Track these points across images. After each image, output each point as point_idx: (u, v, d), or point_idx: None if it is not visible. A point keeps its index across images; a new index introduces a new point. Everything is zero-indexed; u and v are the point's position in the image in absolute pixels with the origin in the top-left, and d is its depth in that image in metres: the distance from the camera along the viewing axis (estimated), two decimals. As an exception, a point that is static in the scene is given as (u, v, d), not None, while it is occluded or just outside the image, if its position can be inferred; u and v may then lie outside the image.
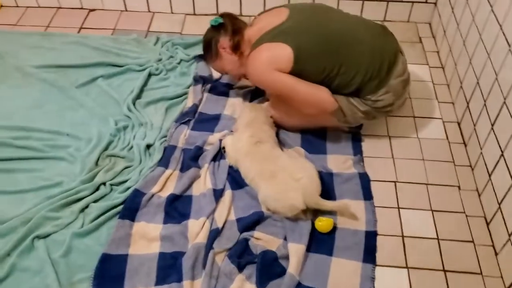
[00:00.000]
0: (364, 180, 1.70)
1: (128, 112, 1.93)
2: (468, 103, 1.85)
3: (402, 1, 2.40)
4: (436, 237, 1.56)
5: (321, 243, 1.51)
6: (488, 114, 1.64)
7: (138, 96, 2.03)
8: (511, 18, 1.52)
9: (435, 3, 2.39)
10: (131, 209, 1.58)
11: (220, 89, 2.04)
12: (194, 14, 2.53)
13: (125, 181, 1.69)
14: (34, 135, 1.85)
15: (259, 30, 1.71)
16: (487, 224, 1.59)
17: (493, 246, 1.54)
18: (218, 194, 1.63)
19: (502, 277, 1.46)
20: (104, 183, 1.68)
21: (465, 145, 1.84)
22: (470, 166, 1.77)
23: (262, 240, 1.51)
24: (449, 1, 2.17)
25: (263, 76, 1.67)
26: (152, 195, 1.63)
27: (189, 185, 1.67)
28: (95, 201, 1.63)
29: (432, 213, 1.62)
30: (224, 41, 1.76)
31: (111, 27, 2.45)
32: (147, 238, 1.52)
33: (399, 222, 1.60)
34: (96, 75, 2.12)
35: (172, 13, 2.54)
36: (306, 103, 1.71)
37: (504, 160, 1.49)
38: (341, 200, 1.63)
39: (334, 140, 1.85)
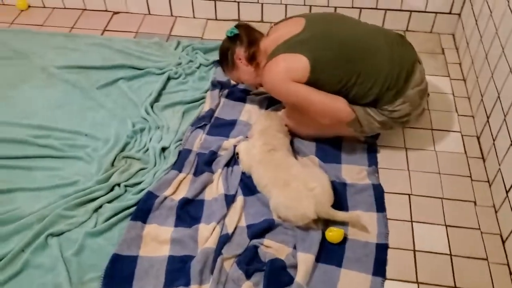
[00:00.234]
0: (378, 192, 1.68)
1: (146, 115, 1.96)
2: (488, 117, 1.81)
3: (425, 12, 2.38)
4: (449, 253, 1.53)
5: (330, 253, 1.50)
6: (508, 130, 1.61)
7: (157, 99, 2.05)
8: (534, 33, 1.50)
9: (459, 14, 2.35)
10: (143, 210, 1.60)
11: (237, 95, 2.05)
12: (216, 19, 2.55)
13: (139, 183, 1.71)
14: (54, 134, 1.89)
15: (275, 40, 1.72)
16: (503, 242, 1.56)
17: (507, 264, 1.50)
18: (229, 200, 1.63)
19: (515, 297, 1.43)
20: (118, 184, 1.70)
21: (484, 160, 1.81)
22: (488, 181, 1.74)
23: (272, 248, 1.51)
24: (473, 12, 2.14)
25: (279, 86, 1.67)
26: (165, 198, 1.65)
27: (202, 190, 1.68)
28: (109, 201, 1.65)
29: (446, 228, 1.60)
30: (240, 52, 1.77)
31: (134, 30, 2.49)
32: (157, 241, 1.54)
33: (412, 236, 1.57)
34: (117, 77, 2.16)
35: (194, 17, 2.57)
36: (322, 113, 1.71)
37: (522, 177, 1.47)
38: (353, 211, 1.62)
39: (349, 150, 1.84)
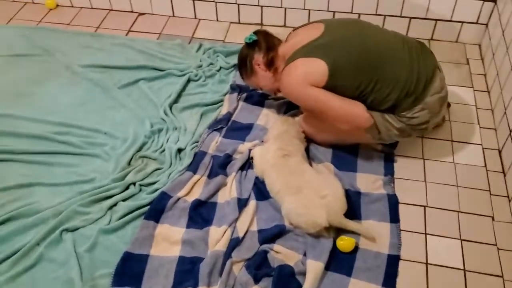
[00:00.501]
0: (392, 202, 1.66)
1: (164, 116, 1.98)
2: (511, 131, 1.77)
3: (451, 21, 2.34)
4: (462, 268, 1.50)
5: (341, 262, 1.49)
6: (529, 144, 1.57)
7: (176, 100, 2.07)
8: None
9: (486, 24, 2.31)
10: (156, 210, 1.62)
11: (256, 99, 2.06)
12: (239, 23, 2.57)
13: (154, 183, 1.73)
14: (74, 132, 1.92)
15: (293, 45, 1.71)
16: (520, 259, 1.52)
17: (523, 283, 1.47)
18: (242, 204, 1.64)
19: (530, 316, 1.39)
20: (134, 183, 1.72)
21: (504, 175, 1.77)
22: (507, 197, 1.70)
23: (281, 253, 1.51)
24: (500, 22, 2.10)
25: (297, 90, 1.67)
26: (178, 199, 1.66)
27: (215, 192, 1.69)
28: (124, 199, 1.67)
29: (461, 242, 1.57)
30: (259, 58, 1.78)
31: (157, 31, 2.53)
32: (169, 241, 1.55)
33: (425, 249, 1.55)
34: (139, 77, 2.19)
35: (218, 20, 2.59)
36: (340, 119, 1.69)
37: (542, 194, 1.43)
38: (366, 222, 1.60)
39: (366, 159, 1.82)
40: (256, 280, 1.43)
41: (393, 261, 1.50)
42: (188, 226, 1.59)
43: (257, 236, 1.55)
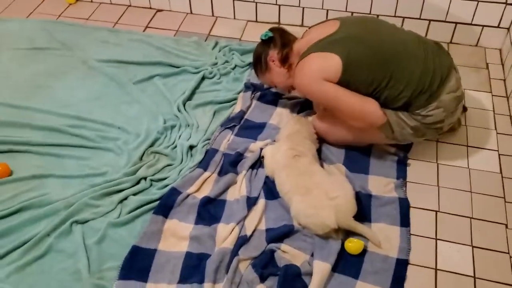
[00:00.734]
0: (404, 206, 1.64)
1: (178, 112, 1.99)
2: (528, 137, 1.74)
3: (472, 24, 2.30)
4: (472, 275, 1.47)
5: (348, 264, 1.48)
6: (546, 152, 1.54)
7: (190, 97, 2.08)
8: None
9: (508, 28, 2.27)
10: (166, 206, 1.63)
11: (269, 98, 2.05)
12: (256, 21, 2.57)
13: (165, 179, 1.74)
14: (88, 125, 1.94)
15: (308, 41, 1.71)
16: (533, 269, 1.49)
17: (535, 293, 1.43)
18: (251, 202, 1.63)
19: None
20: (145, 178, 1.73)
21: (520, 182, 1.73)
22: (523, 204, 1.67)
23: (289, 253, 1.50)
24: (521, 27, 2.06)
25: (311, 85, 1.65)
26: (188, 195, 1.67)
27: (225, 190, 1.69)
28: (134, 194, 1.68)
29: (472, 249, 1.54)
30: (273, 54, 1.78)
31: (174, 28, 2.54)
32: (177, 236, 1.56)
33: (434, 254, 1.52)
34: (154, 73, 2.20)
35: (235, 19, 2.59)
36: (353, 115, 1.68)
37: (557, 202, 1.39)
38: (376, 225, 1.59)
39: (379, 161, 1.80)
40: (262, 279, 1.43)
41: (401, 266, 1.48)
42: (196, 223, 1.59)
43: (265, 235, 1.55)
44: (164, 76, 2.20)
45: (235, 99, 2.06)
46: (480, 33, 2.32)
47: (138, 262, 1.48)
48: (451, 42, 2.38)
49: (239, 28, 2.53)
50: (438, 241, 1.56)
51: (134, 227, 1.58)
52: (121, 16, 2.63)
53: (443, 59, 1.68)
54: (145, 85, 2.16)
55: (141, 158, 1.81)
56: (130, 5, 2.70)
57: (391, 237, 1.55)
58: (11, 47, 2.38)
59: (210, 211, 1.62)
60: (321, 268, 1.43)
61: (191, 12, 2.64)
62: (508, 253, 1.53)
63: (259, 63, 1.84)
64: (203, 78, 2.18)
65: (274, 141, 1.83)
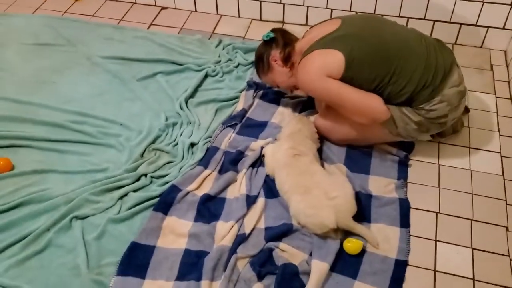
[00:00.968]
0: (404, 207, 1.63)
1: (180, 110, 1.99)
2: (531, 140, 1.73)
3: (477, 25, 2.29)
4: (472, 277, 1.47)
5: (347, 264, 1.47)
6: (548, 154, 1.53)
7: (192, 95, 2.08)
8: None
9: (513, 30, 2.26)
10: (166, 203, 1.63)
11: (271, 97, 2.05)
12: (260, 20, 2.56)
13: (165, 176, 1.74)
14: (91, 121, 1.95)
15: (310, 40, 1.71)
16: (533, 272, 1.48)
17: (535, 296, 1.42)
18: (251, 201, 1.63)
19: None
20: (145, 175, 1.74)
21: (522, 184, 1.72)
22: (524, 207, 1.66)
23: (287, 252, 1.50)
24: (526, 29, 2.05)
25: (314, 82, 1.65)
26: (188, 192, 1.67)
27: (225, 188, 1.69)
28: (135, 190, 1.69)
29: (472, 251, 1.53)
30: (275, 54, 1.79)
31: (179, 26, 2.54)
32: (176, 233, 1.56)
33: (434, 256, 1.52)
34: (157, 70, 2.21)
35: (239, 17, 2.59)
36: (357, 111, 1.67)
37: (558, 206, 1.38)
38: (375, 225, 1.58)
39: (380, 161, 1.79)
40: (260, 277, 1.43)
41: (400, 266, 1.47)
42: (195, 220, 1.59)
43: (264, 234, 1.55)
44: (167, 73, 2.20)
45: (238, 97, 2.06)
46: (485, 34, 2.31)
47: (137, 258, 1.48)
48: (455, 43, 2.37)
49: (243, 26, 2.53)
50: (438, 242, 1.55)
51: (133, 224, 1.59)
52: (126, 13, 2.64)
53: (445, 55, 1.68)
54: (148, 82, 2.16)
55: (142, 155, 1.82)
56: (135, 3, 2.71)
57: (391, 237, 1.55)
58: (16, 43, 2.39)
59: (209, 208, 1.62)
60: (319, 267, 1.42)
61: (196, 10, 2.64)
62: (508, 255, 1.52)
63: (261, 64, 1.84)
64: (206, 76, 2.18)
65: (276, 140, 1.83)
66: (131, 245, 1.50)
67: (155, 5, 2.69)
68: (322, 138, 1.84)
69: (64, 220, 1.57)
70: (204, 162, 1.77)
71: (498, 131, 1.92)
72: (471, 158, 1.82)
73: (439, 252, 1.53)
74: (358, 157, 1.81)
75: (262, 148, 1.79)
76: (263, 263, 1.46)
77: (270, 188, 1.67)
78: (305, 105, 2.01)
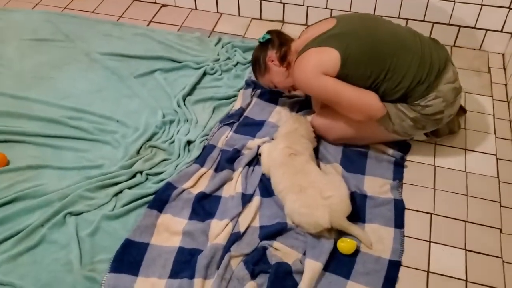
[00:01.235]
0: (398, 207, 1.63)
1: (177, 107, 1.99)
2: (527, 143, 1.73)
3: (475, 28, 2.29)
4: (465, 278, 1.47)
5: (340, 264, 1.47)
6: (544, 157, 1.53)
7: (190, 93, 2.08)
8: None
9: (511, 33, 2.25)
10: (161, 200, 1.63)
11: (269, 96, 2.05)
12: (260, 19, 2.56)
13: (161, 173, 1.74)
14: (87, 117, 1.95)
15: (305, 39, 1.72)
16: (526, 274, 1.48)
17: (527, 299, 1.43)
18: (246, 199, 1.63)
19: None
20: (141, 172, 1.74)
21: (517, 187, 1.72)
22: (519, 209, 1.66)
23: (281, 251, 1.50)
24: (524, 32, 2.05)
25: (310, 80, 1.65)
26: (183, 190, 1.67)
27: (220, 186, 1.69)
28: (130, 187, 1.69)
29: (466, 252, 1.53)
30: (272, 54, 1.79)
31: (178, 23, 2.54)
32: (170, 231, 1.56)
33: (427, 257, 1.52)
34: (155, 67, 2.21)
35: (239, 16, 2.59)
36: (353, 108, 1.68)
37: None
38: (369, 225, 1.58)
39: (376, 162, 1.79)
40: (253, 276, 1.43)
41: (393, 267, 1.47)
42: (190, 218, 1.59)
43: (258, 232, 1.55)
44: (165, 70, 2.20)
45: (236, 96, 2.06)
46: (484, 37, 2.31)
47: (130, 255, 1.48)
48: (454, 45, 2.37)
49: (243, 25, 2.53)
50: (431, 243, 1.56)
51: (127, 221, 1.59)
52: (126, 10, 2.64)
53: (440, 52, 1.69)
54: (146, 79, 2.16)
55: (138, 152, 1.82)
56: None
57: (385, 238, 1.55)
58: (15, 38, 2.39)
59: (204, 207, 1.62)
60: (312, 266, 1.43)
61: (196, 8, 2.64)
62: (501, 257, 1.52)
63: (258, 65, 1.84)
64: (204, 74, 2.18)
65: (272, 139, 1.83)
66: (125, 242, 1.50)
67: (155, 3, 2.69)
68: (319, 137, 1.84)
69: (58, 216, 1.57)
70: (201, 160, 1.77)
71: (495, 133, 1.93)
72: (467, 160, 1.82)
73: (432, 253, 1.53)
74: (354, 157, 1.81)
75: (259, 147, 1.79)
76: (256, 262, 1.46)
77: (266, 187, 1.68)
78: (303, 104, 2.01)
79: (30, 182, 1.69)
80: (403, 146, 1.84)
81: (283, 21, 2.55)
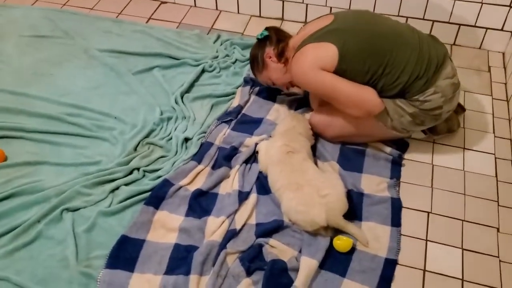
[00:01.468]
0: (395, 206, 1.63)
1: (175, 104, 1.99)
2: (525, 142, 1.72)
3: (475, 26, 2.28)
4: (461, 277, 1.46)
5: (336, 262, 1.47)
6: (542, 156, 1.52)
7: (188, 90, 2.08)
8: None
9: (511, 32, 2.24)
10: (157, 197, 1.63)
11: (268, 94, 2.04)
12: (260, 16, 2.56)
13: (158, 170, 1.74)
14: (86, 114, 1.95)
15: (303, 36, 1.71)
16: (522, 273, 1.47)
17: (523, 298, 1.42)
18: (243, 197, 1.63)
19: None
20: (138, 169, 1.74)
21: (515, 186, 1.72)
22: (516, 209, 1.65)
23: (277, 248, 1.50)
24: (524, 30, 2.04)
25: (308, 75, 1.65)
26: (180, 187, 1.67)
27: (217, 183, 1.69)
28: (127, 184, 1.69)
29: (462, 251, 1.53)
30: (270, 51, 1.79)
31: (177, 20, 2.54)
32: (166, 228, 1.56)
33: (424, 255, 1.51)
34: (154, 64, 2.21)
35: (239, 13, 2.58)
36: (351, 104, 1.67)
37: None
38: (366, 223, 1.58)
39: (373, 160, 1.79)
40: (249, 273, 1.43)
41: (389, 265, 1.47)
42: (187, 215, 1.59)
43: (254, 229, 1.55)
44: (163, 67, 2.20)
45: (234, 93, 2.06)
46: (484, 36, 2.30)
47: (126, 251, 1.48)
48: (454, 44, 2.36)
49: (242, 22, 2.53)
50: (428, 242, 1.55)
51: (124, 217, 1.59)
52: (125, 7, 2.64)
53: (438, 48, 1.69)
54: (144, 76, 2.16)
55: (135, 149, 1.82)
56: (135, -4, 2.71)
57: (381, 236, 1.55)
58: (15, 34, 2.39)
59: (201, 204, 1.62)
60: (308, 264, 1.42)
61: (195, 5, 2.64)
62: (498, 257, 1.51)
63: (256, 62, 1.84)
64: (202, 71, 2.18)
65: (270, 136, 1.82)
66: (121, 238, 1.50)
67: (155, 0, 2.69)
68: (317, 135, 1.84)
69: (55, 212, 1.57)
70: (198, 157, 1.77)
71: (493, 132, 1.92)
72: (465, 159, 1.81)
73: (429, 252, 1.53)
74: (352, 155, 1.80)
75: (256, 144, 1.79)
76: (252, 259, 1.46)
77: (263, 185, 1.67)
78: (301, 102, 2.01)
79: (28, 178, 1.69)
80: (401, 145, 1.83)
81: (282, 19, 2.54)
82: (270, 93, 2.05)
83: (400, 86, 1.63)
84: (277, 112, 1.98)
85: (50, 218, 1.55)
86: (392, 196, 1.66)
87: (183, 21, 2.54)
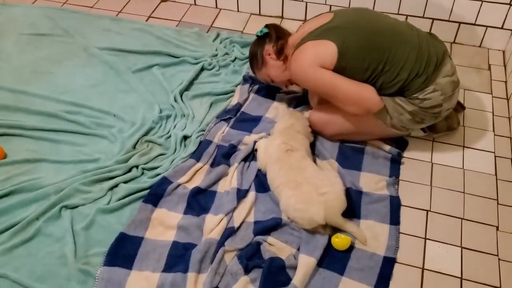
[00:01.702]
0: (394, 204, 1.63)
1: (174, 102, 1.99)
2: (525, 140, 1.72)
3: (475, 24, 2.27)
4: (460, 276, 1.46)
5: (334, 260, 1.47)
6: (541, 155, 1.51)
7: (187, 88, 2.08)
8: None
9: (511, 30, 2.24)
10: (156, 195, 1.63)
11: (267, 92, 2.04)
12: (259, 15, 2.56)
13: (156, 168, 1.74)
14: (85, 112, 1.95)
15: (302, 33, 1.71)
16: (521, 272, 1.47)
17: (522, 296, 1.42)
18: (241, 194, 1.63)
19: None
20: (136, 166, 1.74)
21: (515, 184, 1.71)
22: (516, 207, 1.65)
23: (275, 246, 1.50)
24: (525, 29, 2.03)
25: (307, 72, 1.65)
26: (178, 185, 1.67)
27: (216, 181, 1.69)
28: (125, 182, 1.69)
29: (461, 250, 1.52)
30: (269, 48, 1.79)
31: (177, 19, 2.54)
32: (164, 225, 1.56)
33: (423, 254, 1.51)
34: (153, 63, 2.21)
35: (238, 11, 2.58)
36: (350, 101, 1.67)
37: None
38: (365, 221, 1.58)
39: (372, 158, 1.79)
40: (247, 271, 1.43)
41: (388, 263, 1.47)
42: (185, 212, 1.59)
43: (253, 227, 1.54)
44: (163, 65, 2.20)
45: (233, 91, 2.06)
46: (484, 34, 2.29)
47: (124, 249, 1.48)
48: (454, 42, 2.36)
49: (242, 20, 2.52)
50: (427, 240, 1.55)
51: (122, 215, 1.59)
52: (125, 5, 2.64)
53: (437, 46, 1.69)
54: (144, 74, 2.16)
55: (134, 147, 1.82)
56: (134, -6, 2.71)
57: (380, 234, 1.54)
58: (15, 33, 2.39)
59: (199, 201, 1.62)
60: (306, 262, 1.42)
61: (195, 4, 2.64)
62: (497, 255, 1.51)
63: (255, 59, 1.84)
64: (202, 69, 2.18)
65: (269, 134, 1.82)
66: (119, 235, 1.50)
67: (155, -2, 2.69)
68: (316, 133, 1.84)
69: (54, 209, 1.57)
70: (197, 155, 1.77)
71: (493, 130, 1.91)
72: (465, 157, 1.81)
73: (428, 250, 1.52)
74: (351, 153, 1.80)
75: (255, 142, 1.79)
76: (250, 257, 1.46)
77: (262, 183, 1.67)
78: (300, 100, 2.00)
79: (27, 175, 1.70)
80: (400, 143, 1.83)
81: (282, 17, 2.54)
82: (269, 91, 2.05)
83: (400, 84, 1.62)
84: (276, 110, 1.97)
85: (49, 215, 1.55)
86: (391, 194, 1.66)
87: (183, 19, 2.54)
